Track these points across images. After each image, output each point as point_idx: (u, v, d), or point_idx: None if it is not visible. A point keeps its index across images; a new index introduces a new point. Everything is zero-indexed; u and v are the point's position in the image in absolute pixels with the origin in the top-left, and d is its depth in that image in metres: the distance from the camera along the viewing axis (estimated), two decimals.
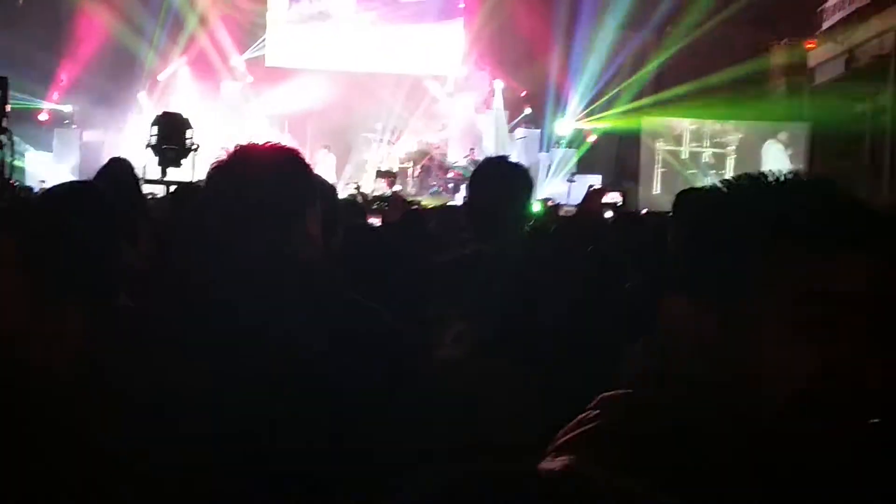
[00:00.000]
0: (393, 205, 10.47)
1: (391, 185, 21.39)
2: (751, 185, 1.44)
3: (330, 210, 2.99)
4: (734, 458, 1.31)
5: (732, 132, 23.69)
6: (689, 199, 5.09)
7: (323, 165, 21.75)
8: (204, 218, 2.76)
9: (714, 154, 23.67)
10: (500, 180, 4.05)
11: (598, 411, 1.42)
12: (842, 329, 1.29)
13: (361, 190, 19.43)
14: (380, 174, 21.96)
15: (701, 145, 23.69)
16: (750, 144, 23.49)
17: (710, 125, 23.72)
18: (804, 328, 1.30)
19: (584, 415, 1.43)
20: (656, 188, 22.94)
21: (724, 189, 1.46)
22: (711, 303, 1.37)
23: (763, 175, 1.43)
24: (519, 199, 4.07)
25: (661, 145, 23.70)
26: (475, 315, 3.30)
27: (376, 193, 18.89)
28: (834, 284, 1.31)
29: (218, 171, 2.66)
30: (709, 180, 22.43)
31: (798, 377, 1.29)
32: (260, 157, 2.68)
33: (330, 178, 14.84)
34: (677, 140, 23.72)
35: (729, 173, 22.87)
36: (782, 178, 1.42)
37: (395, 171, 23.28)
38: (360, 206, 8.28)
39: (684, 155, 23.65)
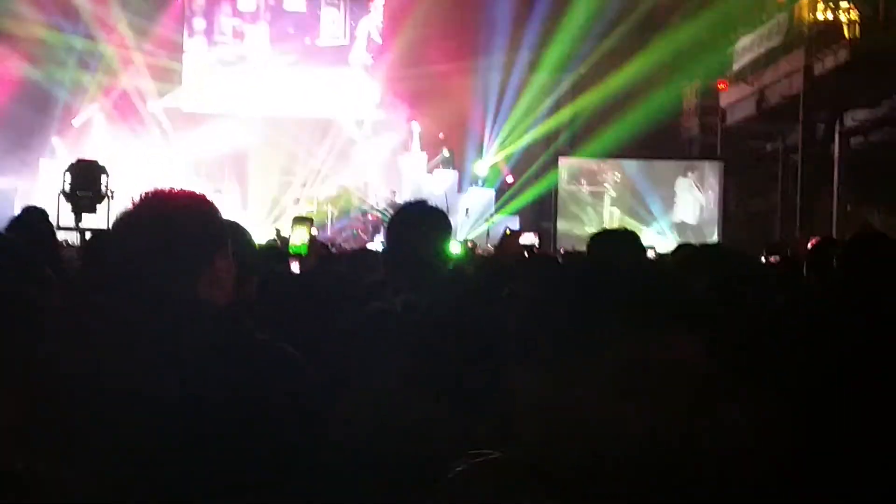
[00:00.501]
0: (311, 249, 10.41)
1: (307, 227, 21.23)
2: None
3: (242, 255, 2.98)
4: None
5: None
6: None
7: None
8: (110, 264, 2.74)
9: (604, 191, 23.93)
10: (418, 225, 4.07)
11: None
12: (663, 396, 1.35)
13: (281, 234, 19.31)
14: (297, 220, 21.73)
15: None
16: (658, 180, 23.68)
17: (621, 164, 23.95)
18: (629, 393, 1.35)
19: None
20: (575, 227, 23.10)
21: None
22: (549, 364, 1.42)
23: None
24: (438, 242, 4.10)
25: (576, 185, 23.91)
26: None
27: (294, 240, 18.80)
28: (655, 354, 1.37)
29: (126, 216, 2.64)
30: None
31: (626, 437, 1.34)
32: (168, 203, 2.65)
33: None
34: (592, 180, 23.94)
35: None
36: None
37: (311, 215, 23.16)
38: (279, 251, 8.22)
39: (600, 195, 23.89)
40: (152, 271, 2.52)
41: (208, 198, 2.73)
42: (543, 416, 1.40)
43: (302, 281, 5.61)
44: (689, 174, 23.46)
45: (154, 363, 2.42)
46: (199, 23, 26.94)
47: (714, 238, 21.63)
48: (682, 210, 23.04)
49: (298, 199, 24.60)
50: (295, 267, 7.17)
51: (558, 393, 1.39)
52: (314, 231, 17.79)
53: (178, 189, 2.72)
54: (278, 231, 20.09)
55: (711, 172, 23.37)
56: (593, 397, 1.37)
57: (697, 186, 23.29)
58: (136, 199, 2.64)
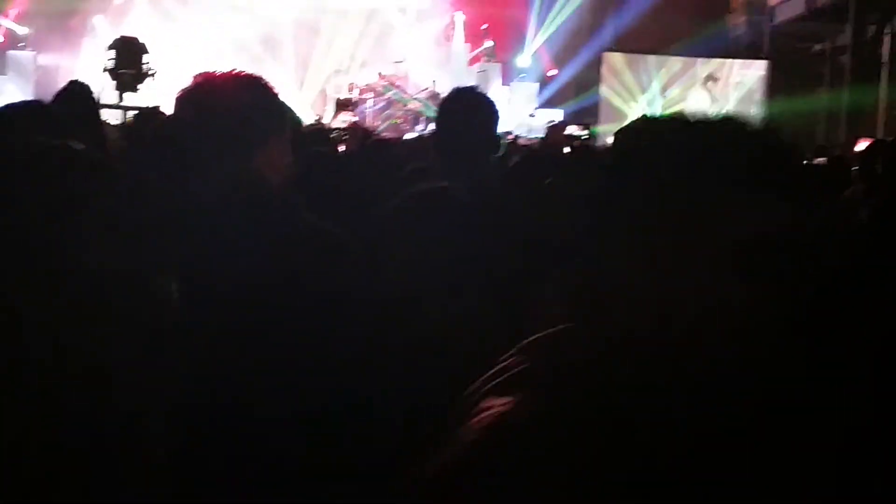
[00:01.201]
0: (352, 134, 10.42)
1: (350, 112, 21.16)
2: (682, 124, 1.41)
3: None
4: (675, 407, 1.29)
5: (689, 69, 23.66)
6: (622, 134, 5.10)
7: None
8: (164, 145, 2.74)
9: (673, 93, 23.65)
10: (467, 111, 4.07)
11: (522, 356, 1.41)
12: (764, 270, 1.28)
13: (322, 121, 19.31)
14: (339, 104, 21.68)
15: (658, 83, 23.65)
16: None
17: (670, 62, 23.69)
18: (730, 267, 1.29)
19: (505, 362, 1.42)
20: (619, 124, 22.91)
21: (652, 126, 1.44)
22: (634, 242, 1.36)
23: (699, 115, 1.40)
24: (487, 129, 4.10)
25: (617, 83, 23.67)
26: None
27: (335, 124, 18.77)
28: (755, 227, 1.30)
29: (182, 99, 2.67)
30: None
31: (722, 316, 1.28)
32: (225, 85, 2.67)
33: None
34: (637, 78, 23.68)
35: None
36: (717, 120, 1.40)
37: (354, 100, 23.09)
38: (324, 132, 8.23)
39: (641, 93, 23.63)
40: (207, 150, 2.52)
41: (265, 81, 2.73)
42: (632, 295, 1.34)
43: (346, 162, 5.60)
44: (709, 84, 23.22)
45: (207, 244, 2.42)
46: None
47: None
48: None
49: (339, 85, 24.45)
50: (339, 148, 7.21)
51: (652, 272, 1.33)
52: (355, 118, 17.67)
53: (234, 71, 2.71)
54: (319, 117, 20.05)
55: (756, 71, 23.11)
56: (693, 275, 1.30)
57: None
58: (191, 80, 2.64)
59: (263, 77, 2.76)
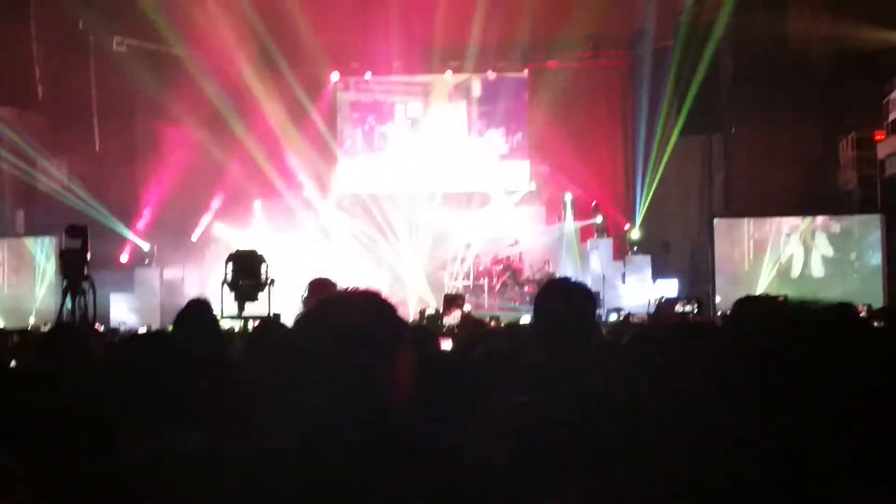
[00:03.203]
0: (462, 325, 10.50)
1: (460, 307, 21.16)
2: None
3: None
4: None
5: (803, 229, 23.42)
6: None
7: None
8: (286, 357, 2.83)
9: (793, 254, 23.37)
10: (563, 300, 4.17)
11: None
12: None
13: (428, 313, 19.54)
14: (447, 300, 21.43)
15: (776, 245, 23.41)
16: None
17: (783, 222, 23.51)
18: None
19: None
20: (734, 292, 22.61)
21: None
22: None
23: None
24: (583, 317, 4.19)
25: (733, 246, 23.51)
26: None
27: (447, 320, 18.94)
28: None
29: (304, 320, 2.82)
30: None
31: None
32: (344, 305, 2.78)
33: None
34: (751, 241, 23.50)
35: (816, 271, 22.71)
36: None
37: (461, 293, 23.42)
38: (430, 331, 8.31)
39: (759, 256, 23.41)
40: (331, 370, 2.61)
41: (383, 296, 2.83)
42: None
43: (455, 362, 5.64)
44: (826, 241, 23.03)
45: (325, 464, 2.49)
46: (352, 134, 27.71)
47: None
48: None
49: (455, 274, 24.72)
50: (447, 345, 7.26)
51: None
52: (467, 307, 17.66)
53: (354, 288, 2.85)
54: (422, 311, 20.18)
55: (873, 226, 22.81)
56: None
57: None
58: (314, 298, 2.78)
59: (380, 293, 2.84)
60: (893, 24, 22.80)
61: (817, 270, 22.90)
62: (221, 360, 5.76)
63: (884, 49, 22.90)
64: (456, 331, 10.98)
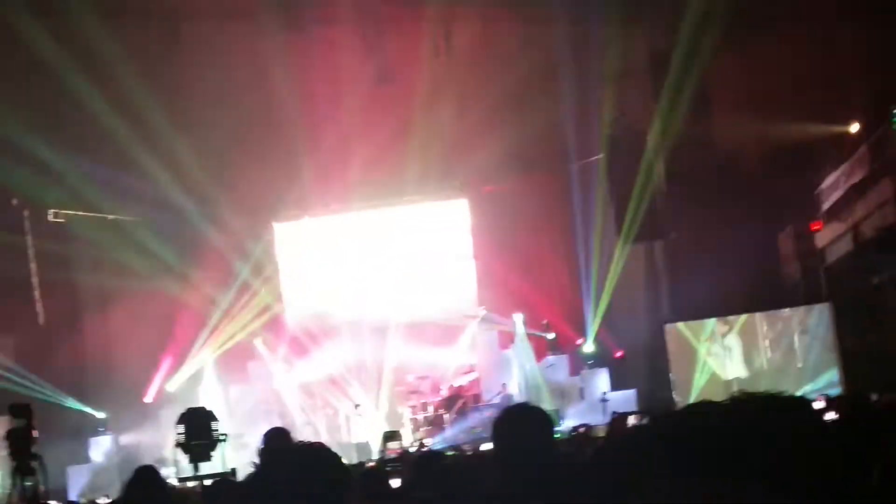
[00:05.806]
0: (404, 464, 10.44)
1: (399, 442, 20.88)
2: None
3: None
4: None
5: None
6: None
7: None
8: None
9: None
10: (521, 426, 4.32)
11: None
12: None
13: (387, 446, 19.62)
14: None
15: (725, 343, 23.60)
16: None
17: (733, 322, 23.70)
18: None
19: None
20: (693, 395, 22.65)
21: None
22: None
23: None
24: (542, 441, 4.26)
25: (683, 352, 23.67)
26: None
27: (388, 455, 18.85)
28: None
29: (255, 479, 2.96)
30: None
31: None
32: (294, 462, 2.91)
33: None
34: (700, 344, 23.67)
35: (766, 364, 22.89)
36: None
37: (428, 420, 23.30)
38: (378, 472, 8.29)
39: (706, 358, 23.58)
40: None
41: (326, 448, 3.00)
42: None
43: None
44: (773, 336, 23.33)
45: None
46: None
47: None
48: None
49: (414, 407, 24.52)
50: (395, 482, 7.22)
51: None
52: (429, 439, 17.60)
53: (301, 442, 3.12)
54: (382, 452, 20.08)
55: (821, 315, 23.02)
56: None
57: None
58: (268, 450, 2.92)
59: (326, 446, 3.01)
60: (817, 117, 23.35)
61: (766, 364, 23.12)
62: None
63: (810, 141, 23.44)
64: (400, 468, 10.92)
